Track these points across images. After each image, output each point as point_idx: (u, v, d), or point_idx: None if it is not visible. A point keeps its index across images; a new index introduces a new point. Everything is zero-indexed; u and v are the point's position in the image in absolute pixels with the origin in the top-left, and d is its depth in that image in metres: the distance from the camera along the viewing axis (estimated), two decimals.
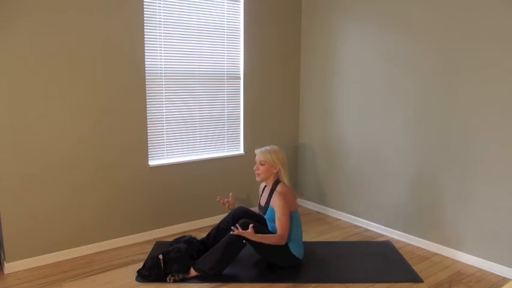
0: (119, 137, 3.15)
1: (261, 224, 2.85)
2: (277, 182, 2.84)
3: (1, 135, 2.68)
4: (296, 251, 2.80)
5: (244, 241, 2.65)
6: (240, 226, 2.63)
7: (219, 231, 2.95)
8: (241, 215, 2.93)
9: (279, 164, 2.82)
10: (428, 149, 3.16)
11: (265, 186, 2.95)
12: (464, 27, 2.87)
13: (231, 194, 3.18)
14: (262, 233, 2.70)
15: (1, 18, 2.60)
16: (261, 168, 2.82)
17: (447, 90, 3.01)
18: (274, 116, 4.07)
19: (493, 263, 2.84)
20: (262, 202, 2.94)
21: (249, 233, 2.57)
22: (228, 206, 3.12)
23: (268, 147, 2.88)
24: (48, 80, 2.81)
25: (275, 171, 2.83)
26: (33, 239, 2.87)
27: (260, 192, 3.04)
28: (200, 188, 3.62)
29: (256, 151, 2.89)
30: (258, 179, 2.87)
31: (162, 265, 2.67)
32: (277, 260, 2.82)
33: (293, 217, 2.81)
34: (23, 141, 2.76)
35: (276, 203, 2.73)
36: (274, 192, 2.78)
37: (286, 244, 2.76)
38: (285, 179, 2.85)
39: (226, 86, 3.73)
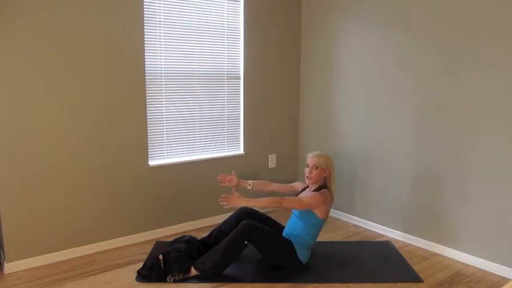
0: (119, 137, 3.15)
1: (266, 224, 2.85)
2: (321, 187, 2.84)
3: (1, 135, 2.68)
4: (302, 255, 2.79)
5: (246, 242, 2.65)
6: (243, 227, 2.64)
7: (221, 232, 2.94)
8: (245, 216, 2.92)
9: (330, 168, 2.85)
10: (429, 149, 3.16)
11: (306, 187, 2.96)
12: (465, 27, 2.87)
13: (233, 171, 3.13)
14: (268, 235, 2.71)
15: (1, 18, 2.60)
16: (314, 172, 2.82)
17: (447, 90, 3.01)
18: (274, 116, 4.07)
19: (493, 263, 2.84)
20: None
21: (236, 199, 2.63)
22: (230, 186, 3.04)
23: (320, 152, 2.90)
24: (48, 80, 2.81)
25: (325, 175, 2.86)
26: (33, 239, 2.87)
27: (299, 191, 3.04)
28: (200, 188, 3.62)
29: (309, 155, 2.89)
30: (308, 182, 2.87)
31: (162, 265, 2.67)
32: (280, 261, 2.82)
33: (319, 225, 2.83)
34: (23, 141, 2.76)
35: (312, 193, 2.76)
36: (316, 192, 2.80)
37: (292, 245, 2.76)
38: (333, 185, 2.89)
39: (226, 86, 3.73)
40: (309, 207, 2.75)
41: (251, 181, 3.11)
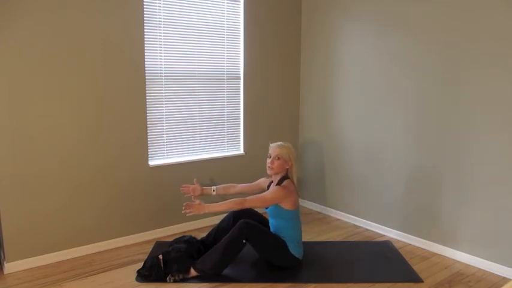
0: (119, 137, 3.15)
1: (263, 225, 2.85)
2: (284, 178, 2.84)
3: (1, 136, 2.68)
4: (295, 251, 2.80)
5: (244, 241, 2.65)
6: (240, 226, 2.64)
7: (219, 231, 2.95)
8: (242, 215, 2.93)
9: (293, 159, 2.85)
10: (429, 149, 3.16)
11: (271, 182, 2.96)
12: (465, 26, 2.87)
13: (195, 179, 3.12)
14: (264, 234, 2.71)
15: (1, 18, 2.60)
16: (276, 162, 2.82)
17: (447, 90, 3.01)
18: (274, 116, 4.07)
19: (493, 263, 2.84)
20: None
21: (198, 207, 2.64)
22: (193, 195, 3.02)
23: (282, 143, 2.88)
24: (48, 80, 2.81)
25: (287, 167, 2.85)
26: (33, 239, 2.87)
27: (266, 188, 3.03)
28: None
29: (272, 145, 2.89)
30: (270, 172, 2.86)
31: (162, 265, 2.67)
32: (276, 260, 2.82)
33: (294, 217, 2.82)
34: (23, 141, 2.76)
35: (273, 188, 2.77)
36: (278, 186, 2.79)
37: (286, 244, 2.77)
38: (294, 176, 2.87)
39: (226, 86, 3.73)
40: (272, 203, 2.75)
41: (215, 186, 3.10)
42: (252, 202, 2.74)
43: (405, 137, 3.32)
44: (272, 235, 2.79)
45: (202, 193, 3.06)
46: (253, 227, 2.67)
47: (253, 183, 3.14)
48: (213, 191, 3.08)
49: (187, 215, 2.68)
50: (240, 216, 2.91)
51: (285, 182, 2.81)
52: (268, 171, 2.87)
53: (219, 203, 2.73)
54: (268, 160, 2.85)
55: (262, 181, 3.10)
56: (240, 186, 3.12)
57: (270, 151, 2.87)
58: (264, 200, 2.74)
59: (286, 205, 2.76)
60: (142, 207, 3.34)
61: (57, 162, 2.91)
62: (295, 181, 2.88)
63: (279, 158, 2.81)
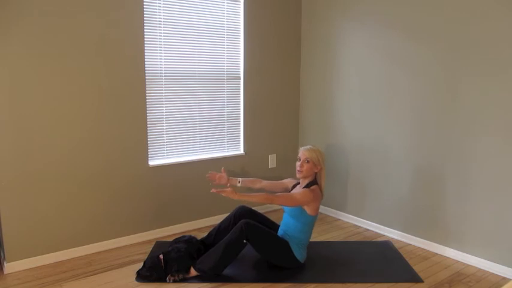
0: (119, 137, 3.15)
1: (263, 224, 2.85)
2: (312, 183, 2.83)
3: (1, 136, 2.68)
4: (298, 253, 2.80)
5: (244, 241, 2.65)
6: (241, 226, 2.64)
7: (220, 231, 2.95)
8: (244, 215, 2.93)
9: (322, 163, 2.84)
10: (429, 149, 3.16)
11: (297, 184, 2.96)
12: (465, 28, 2.87)
13: (223, 168, 3.12)
14: (265, 235, 2.71)
15: (2, 18, 2.60)
16: (305, 166, 2.81)
17: (448, 91, 3.01)
18: (274, 116, 4.07)
19: (493, 263, 2.84)
20: None
21: (231, 192, 2.65)
22: (220, 182, 3.03)
23: (312, 146, 2.89)
24: (48, 80, 2.81)
25: (316, 170, 2.84)
26: (33, 239, 2.87)
27: (290, 188, 3.03)
28: (200, 188, 3.61)
29: (301, 148, 2.89)
30: (299, 175, 2.86)
31: (163, 265, 2.67)
32: (278, 260, 2.82)
33: (311, 222, 2.83)
34: (23, 141, 2.76)
35: (302, 190, 2.76)
36: (307, 188, 2.79)
37: (288, 244, 2.77)
38: (323, 180, 2.88)
39: (226, 86, 3.73)
40: (299, 204, 2.74)
41: (241, 178, 3.10)
42: (281, 200, 2.73)
43: (405, 137, 3.32)
44: (273, 235, 2.79)
45: (227, 182, 3.04)
46: (254, 227, 2.67)
47: (278, 181, 3.13)
48: (239, 182, 3.06)
49: (221, 194, 2.65)
50: (241, 216, 2.91)
51: (313, 187, 2.80)
52: (298, 175, 2.87)
53: (251, 194, 2.75)
54: (298, 163, 2.85)
55: (288, 181, 3.10)
56: (264, 183, 3.12)
57: (300, 154, 2.86)
58: (293, 200, 2.74)
59: (309, 209, 2.77)
60: (142, 207, 3.34)
61: (57, 163, 2.91)
62: (323, 185, 2.88)
63: (308, 162, 2.81)
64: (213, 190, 2.68)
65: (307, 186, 2.81)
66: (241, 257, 2.86)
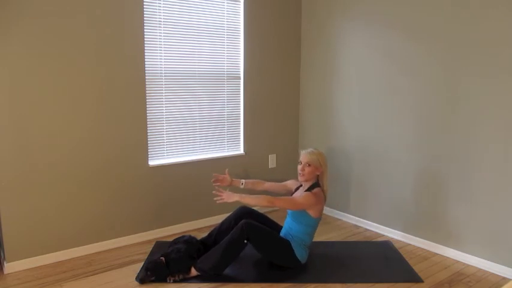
0: (119, 137, 3.15)
1: (265, 224, 2.85)
2: (314, 186, 2.83)
3: (1, 136, 2.68)
4: (299, 253, 2.79)
5: (245, 241, 2.65)
6: (242, 226, 2.64)
7: (221, 231, 2.94)
8: (244, 215, 2.93)
9: (323, 166, 2.84)
10: (429, 149, 3.16)
11: (300, 186, 2.96)
12: (465, 28, 2.87)
13: (227, 170, 3.14)
14: (266, 235, 2.71)
15: (2, 18, 2.60)
16: (306, 169, 2.82)
17: (449, 92, 3.01)
18: (274, 116, 4.07)
19: (493, 263, 2.84)
20: None
21: (228, 194, 2.68)
22: (221, 185, 3.05)
23: (313, 149, 2.89)
24: (48, 81, 2.81)
25: (318, 173, 2.85)
26: (33, 239, 2.87)
27: (293, 190, 3.03)
28: (200, 188, 3.61)
29: (302, 152, 2.89)
30: (301, 179, 2.87)
31: (164, 266, 2.66)
32: (278, 260, 2.82)
33: (314, 225, 2.83)
34: (23, 141, 2.76)
35: (305, 193, 2.76)
36: (309, 191, 2.79)
37: (289, 244, 2.77)
38: (325, 183, 2.88)
39: (226, 86, 3.73)
40: (302, 208, 2.75)
41: (244, 180, 3.11)
42: (282, 203, 2.74)
43: (405, 137, 3.32)
44: (274, 235, 2.79)
45: (231, 184, 3.07)
46: (254, 227, 2.67)
47: (281, 183, 3.14)
48: (242, 184, 3.09)
49: (218, 202, 2.71)
50: (242, 216, 2.91)
51: (316, 190, 2.80)
52: (300, 178, 2.87)
53: (251, 195, 2.75)
54: (299, 167, 2.85)
55: (290, 183, 3.10)
56: (267, 184, 3.14)
57: (301, 158, 2.86)
58: (294, 204, 2.74)
59: (312, 212, 2.77)
60: (143, 207, 3.34)
61: (57, 162, 2.90)
62: (326, 187, 2.88)
63: (309, 165, 2.81)
64: (216, 193, 2.75)
65: (310, 188, 2.82)
66: (242, 257, 2.86)
